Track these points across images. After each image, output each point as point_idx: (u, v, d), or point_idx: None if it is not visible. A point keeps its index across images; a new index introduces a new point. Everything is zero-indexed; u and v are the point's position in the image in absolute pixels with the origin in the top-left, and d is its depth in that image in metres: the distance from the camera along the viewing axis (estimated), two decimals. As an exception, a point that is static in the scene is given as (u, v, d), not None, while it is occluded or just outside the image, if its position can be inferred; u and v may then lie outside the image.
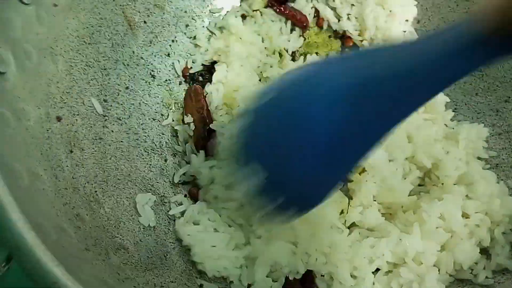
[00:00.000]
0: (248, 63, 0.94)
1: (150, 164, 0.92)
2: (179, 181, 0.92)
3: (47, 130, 0.76)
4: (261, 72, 0.97)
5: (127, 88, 0.96)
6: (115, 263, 0.70)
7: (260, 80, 0.97)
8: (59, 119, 0.80)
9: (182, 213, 0.86)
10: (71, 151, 0.79)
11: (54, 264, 0.52)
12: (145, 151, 0.93)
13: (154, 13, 1.02)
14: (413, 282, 0.75)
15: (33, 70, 0.76)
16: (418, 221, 0.78)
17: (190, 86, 1.01)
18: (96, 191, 0.79)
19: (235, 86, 0.91)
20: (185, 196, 0.88)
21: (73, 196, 0.74)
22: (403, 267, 0.76)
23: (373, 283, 0.76)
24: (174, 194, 0.90)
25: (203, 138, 0.91)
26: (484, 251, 0.82)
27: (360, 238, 0.78)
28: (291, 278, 0.75)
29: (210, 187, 0.82)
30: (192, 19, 1.07)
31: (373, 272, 0.77)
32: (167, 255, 0.80)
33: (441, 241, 0.78)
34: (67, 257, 0.58)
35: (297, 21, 1.08)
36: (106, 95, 0.91)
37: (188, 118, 0.94)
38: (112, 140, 0.88)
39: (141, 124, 0.95)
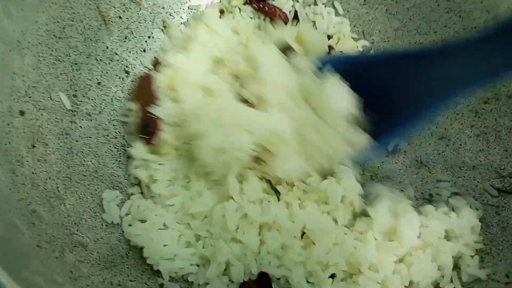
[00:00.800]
0: (209, 52, 0.92)
1: (119, 161, 0.91)
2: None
3: (8, 124, 0.75)
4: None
5: (99, 83, 0.94)
6: (69, 261, 0.69)
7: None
8: (22, 113, 0.79)
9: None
10: (34, 146, 0.78)
11: (-11, 261, 0.50)
12: (115, 148, 0.92)
13: (130, 8, 1.01)
14: None
15: (-2, 63, 0.76)
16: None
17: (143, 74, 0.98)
18: (58, 187, 0.78)
19: (184, 72, 0.89)
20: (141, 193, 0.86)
21: (30, 192, 0.72)
22: (361, 275, 0.74)
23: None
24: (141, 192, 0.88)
25: (146, 125, 0.87)
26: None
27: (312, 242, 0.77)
28: (245, 279, 0.74)
29: (151, 184, 0.81)
30: (170, 15, 1.06)
31: (330, 278, 0.75)
32: (129, 253, 0.79)
33: (396, 253, 0.77)
34: (9, 254, 0.56)
35: (277, 19, 1.06)
36: (76, 90, 0.90)
37: (133, 105, 0.90)
38: (80, 136, 0.87)
39: (112, 120, 0.93)
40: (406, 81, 0.80)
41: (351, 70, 0.83)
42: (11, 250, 0.58)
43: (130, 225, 0.79)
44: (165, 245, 0.74)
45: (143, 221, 0.77)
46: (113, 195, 0.84)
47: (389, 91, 0.81)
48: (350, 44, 1.05)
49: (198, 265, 0.75)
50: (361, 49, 1.06)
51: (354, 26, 1.08)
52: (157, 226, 0.76)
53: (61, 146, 0.83)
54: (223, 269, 0.74)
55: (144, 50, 1.02)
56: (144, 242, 0.75)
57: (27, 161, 0.75)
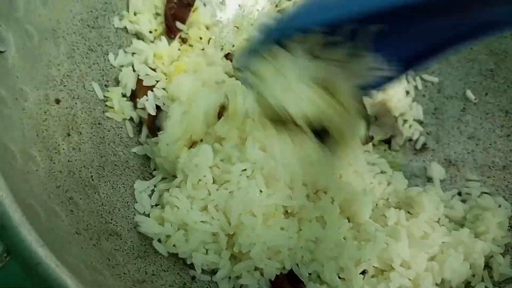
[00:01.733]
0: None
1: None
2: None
3: (45, 112, 0.75)
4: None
5: (129, 74, 0.94)
6: (106, 249, 0.69)
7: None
8: (58, 101, 0.79)
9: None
10: (69, 134, 0.79)
11: (38, 245, 0.51)
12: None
13: (161, -1, 1.00)
14: None
15: (34, 51, 0.76)
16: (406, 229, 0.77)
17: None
18: (92, 176, 0.79)
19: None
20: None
21: (67, 180, 0.73)
22: (393, 272, 0.74)
23: (362, 286, 0.74)
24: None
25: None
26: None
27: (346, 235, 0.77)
28: (277, 273, 0.74)
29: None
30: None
31: (361, 274, 0.75)
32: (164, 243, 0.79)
33: (429, 252, 0.77)
34: (54, 240, 0.57)
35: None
36: (107, 80, 0.90)
37: (140, 103, 0.89)
38: (111, 126, 0.87)
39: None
40: None
41: None
42: (54, 235, 0.59)
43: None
44: (195, 240, 0.73)
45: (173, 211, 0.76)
46: (144, 186, 0.84)
47: None
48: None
49: (230, 258, 0.75)
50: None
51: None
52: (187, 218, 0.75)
53: (94, 136, 0.83)
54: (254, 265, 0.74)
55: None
56: (174, 235, 0.74)
57: (63, 149, 0.76)
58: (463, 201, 0.90)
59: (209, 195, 0.74)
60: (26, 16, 0.74)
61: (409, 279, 0.75)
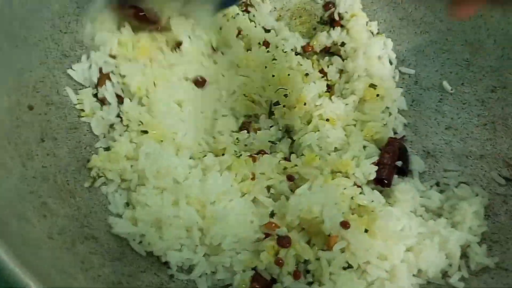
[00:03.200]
0: None
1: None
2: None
3: (17, 119, 0.76)
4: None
5: (106, 78, 0.95)
6: (80, 252, 0.70)
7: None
8: (31, 108, 0.79)
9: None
10: (43, 140, 0.79)
11: (2, 250, 0.51)
12: (122, 141, 0.92)
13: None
14: (385, 280, 0.75)
15: (4, 59, 0.76)
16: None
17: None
18: (67, 181, 0.79)
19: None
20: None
21: (41, 185, 0.73)
22: (369, 265, 0.75)
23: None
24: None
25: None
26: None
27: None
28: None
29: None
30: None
31: (344, 268, 0.75)
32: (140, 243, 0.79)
33: (406, 243, 0.77)
34: (22, 245, 0.57)
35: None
36: (82, 85, 0.90)
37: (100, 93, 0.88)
38: (87, 130, 0.87)
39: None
40: None
41: None
42: (23, 241, 0.59)
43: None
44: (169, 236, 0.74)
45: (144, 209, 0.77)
46: (114, 186, 0.84)
47: None
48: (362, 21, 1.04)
49: (204, 255, 0.76)
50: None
51: (359, 15, 1.08)
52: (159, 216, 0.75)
53: (69, 140, 0.84)
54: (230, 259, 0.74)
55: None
56: (148, 233, 0.75)
57: (37, 154, 0.76)
58: (441, 191, 0.90)
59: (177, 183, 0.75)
60: (-5, 24, 0.75)
61: (386, 271, 0.76)
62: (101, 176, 0.81)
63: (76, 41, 0.91)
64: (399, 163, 0.88)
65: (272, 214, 0.78)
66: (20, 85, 0.79)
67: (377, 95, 0.95)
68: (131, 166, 0.80)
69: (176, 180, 0.77)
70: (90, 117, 0.86)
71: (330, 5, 1.08)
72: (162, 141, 0.82)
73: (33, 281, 0.51)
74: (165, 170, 0.77)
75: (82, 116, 0.87)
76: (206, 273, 0.76)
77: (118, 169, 0.80)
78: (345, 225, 0.75)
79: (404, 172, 0.91)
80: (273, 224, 0.76)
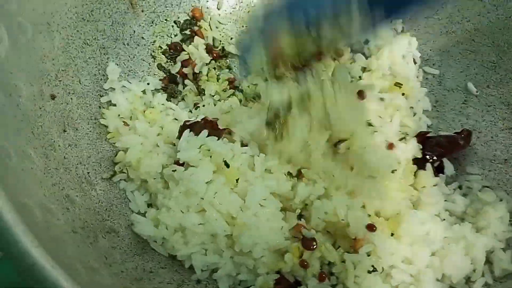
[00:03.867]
0: None
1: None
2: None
3: (40, 108, 0.74)
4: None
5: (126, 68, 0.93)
6: (103, 247, 0.69)
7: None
8: (53, 97, 0.78)
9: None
10: (64, 131, 0.78)
11: (33, 245, 0.50)
12: (142, 134, 0.90)
13: (157, -9, 0.99)
14: (410, 285, 0.74)
15: (27, 45, 0.74)
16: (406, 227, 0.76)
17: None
18: (88, 172, 0.78)
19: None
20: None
21: (63, 177, 0.72)
22: (394, 269, 0.74)
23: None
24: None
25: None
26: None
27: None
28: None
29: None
30: (196, -1, 1.04)
31: (369, 271, 0.74)
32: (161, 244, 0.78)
33: (431, 248, 0.76)
34: (50, 239, 0.56)
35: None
36: (103, 75, 0.89)
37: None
38: (108, 121, 0.86)
39: (140, 106, 0.92)
40: None
41: None
42: (50, 235, 0.58)
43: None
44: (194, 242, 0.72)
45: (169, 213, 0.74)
46: (132, 186, 0.82)
47: None
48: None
49: (231, 257, 0.74)
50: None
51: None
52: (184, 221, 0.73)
53: (90, 131, 0.82)
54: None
55: (171, 35, 1.01)
56: (172, 237, 0.73)
57: (59, 145, 0.75)
58: (464, 195, 0.89)
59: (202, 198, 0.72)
60: (19, 9, 0.73)
61: (411, 275, 0.74)
62: (124, 172, 0.80)
63: (98, 30, 0.89)
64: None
65: (300, 216, 0.77)
66: (43, 73, 0.77)
67: (402, 94, 0.94)
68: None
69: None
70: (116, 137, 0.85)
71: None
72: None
73: (63, 276, 0.50)
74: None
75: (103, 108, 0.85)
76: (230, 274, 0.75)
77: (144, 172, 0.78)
78: (371, 228, 0.74)
79: (442, 169, 0.89)
80: (301, 226, 0.74)
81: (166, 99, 0.92)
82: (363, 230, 0.74)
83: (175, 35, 1.00)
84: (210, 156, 0.74)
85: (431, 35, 1.03)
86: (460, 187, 0.91)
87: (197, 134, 0.76)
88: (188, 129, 0.78)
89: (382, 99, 0.91)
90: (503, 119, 0.94)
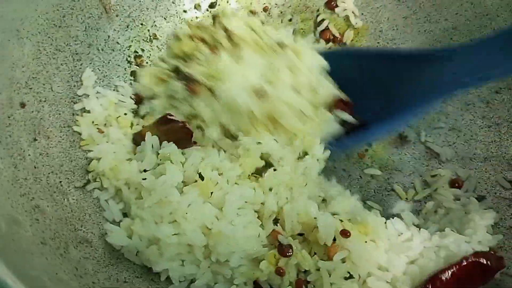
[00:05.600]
0: None
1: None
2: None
3: (9, 117, 0.73)
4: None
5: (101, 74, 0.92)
6: (74, 258, 0.67)
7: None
8: (23, 105, 0.76)
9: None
10: (35, 139, 0.76)
11: (-7, 260, 0.48)
12: (118, 140, 0.89)
13: (132, -4, 0.97)
14: None
15: (-4, 53, 0.73)
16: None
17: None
18: (61, 182, 0.76)
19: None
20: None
21: (33, 187, 0.70)
22: (371, 276, 0.72)
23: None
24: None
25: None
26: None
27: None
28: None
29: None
30: (173, 3, 1.03)
31: (345, 278, 0.73)
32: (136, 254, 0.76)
33: (408, 255, 0.75)
34: (14, 252, 0.54)
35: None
36: (77, 81, 0.87)
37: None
38: (82, 128, 0.84)
39: (115, 112, 0.91)
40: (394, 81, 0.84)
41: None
42: (15, 247, 0.56)
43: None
44: (170, 253, 0.71)
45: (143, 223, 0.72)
46: (107, 195, 0.80)
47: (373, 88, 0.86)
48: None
49: (208, 267, 0.73)
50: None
51: (362, 14, 1.05)
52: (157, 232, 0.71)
53: (63, 139, 0.81)
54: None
55: (147, 40, 0.99)
56: (147, 250, 0.71)
57: (29, 154, 0.73)
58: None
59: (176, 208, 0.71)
60: (-14, 17, 0.71)
61: (387, 282, 0.73)
62: (97, 181, 0.78)
63: (70, 36, 0.87)
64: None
65: (276, 221, 0.76)
66: (12, 81, 0.75)
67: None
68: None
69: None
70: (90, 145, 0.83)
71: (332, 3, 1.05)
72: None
73: (26, 291, 0.48)
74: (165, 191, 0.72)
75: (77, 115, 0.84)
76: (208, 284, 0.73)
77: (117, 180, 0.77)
78: (345, 234, 0.72)
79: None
80: (278, 233, 0.73)
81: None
82: (332, 236, 0.72)
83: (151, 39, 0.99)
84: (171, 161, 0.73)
85: (409, 34, 1.03)
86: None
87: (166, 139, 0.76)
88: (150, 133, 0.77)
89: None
90: (483, 117, 0.93)
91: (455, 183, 0.89)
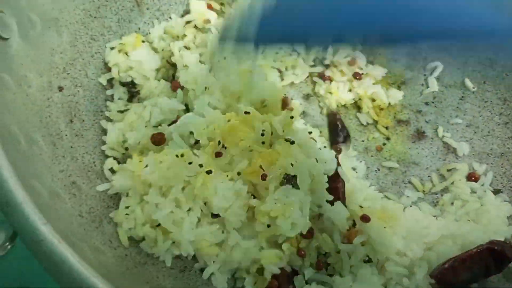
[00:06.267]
0: None
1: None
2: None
3: (48, 99, 0.77)
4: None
5: (131, 64, 0.96)
6: (108, 232, 0.71)
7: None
8: (61, 89, 0.80)
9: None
10: (71, 121, 0.80)
11: (42, 222, 0.52)
12: (146, 127, 0.93)
13: (162, -10, 1.02)
14: (403, 277, 0.75)
15: (37, 39, 0.77)
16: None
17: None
18: (94, 162, 0.80)
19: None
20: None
21: (70, 164, 0.74)
22: (388, 261, 0.75)
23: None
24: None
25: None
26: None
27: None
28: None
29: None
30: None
31: (364, 261, 0.76)
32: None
33: (425, 241, 0.77)
34: (57, 219, 0.58)
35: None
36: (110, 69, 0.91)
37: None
38: (113, 114, 0.88)
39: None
40: None
41: None
42: (57, 216, 0.60)
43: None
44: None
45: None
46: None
47: None
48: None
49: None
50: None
51: None
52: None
53: (96, 123, 0.85)
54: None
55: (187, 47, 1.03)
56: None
57: (66, 135, 0.77)
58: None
59: None
60: (29, 4, 0.76)
61: (404, 267, 0.76)
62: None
63: (104, 26, 0.91)
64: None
65: None
66: (51, 66, 0.80)
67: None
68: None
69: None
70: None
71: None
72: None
73: (69, 251, 0.52)
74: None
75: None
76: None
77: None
78: (365, 219, 0.76)
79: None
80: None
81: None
82: (357, 221, 0.76)
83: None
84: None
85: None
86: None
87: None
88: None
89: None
90: (500, 114, 0.96)
91: (471, 177, 0.91)
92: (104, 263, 0.61)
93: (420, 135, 1.00)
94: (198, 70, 0.85)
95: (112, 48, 0.91)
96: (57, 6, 0.82)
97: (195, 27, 0.96)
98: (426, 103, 1.01)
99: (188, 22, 0.96)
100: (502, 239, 0.80)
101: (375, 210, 0.77)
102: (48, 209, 0.58)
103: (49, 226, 0.52)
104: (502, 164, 0.91)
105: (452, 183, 0.92)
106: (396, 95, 1.00)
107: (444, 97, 1.02)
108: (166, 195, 0.70)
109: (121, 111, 0.85)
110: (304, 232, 0.72)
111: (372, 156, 0.99)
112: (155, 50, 0.95)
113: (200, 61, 0.91)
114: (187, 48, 0.93)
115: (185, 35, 0.95)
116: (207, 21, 0.94)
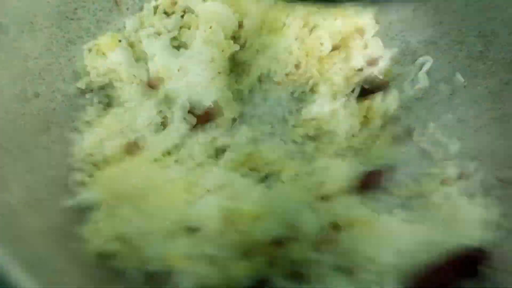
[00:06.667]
0: None
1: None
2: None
3: (23, 106, 0.75)
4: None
5: (112, 66, 0.94)
6: (74, 249, 0.69)
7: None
8: (36, 95, 0.78)
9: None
10: (49, 128, 0.78)
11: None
12: (129, 130, 0.91)
13: (142, -12, 0.99)
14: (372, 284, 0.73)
15: (10, 44, 0.75)
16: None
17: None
18: (63, 175, 0.78)
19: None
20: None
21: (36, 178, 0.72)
22: (358, 267, 0.73)
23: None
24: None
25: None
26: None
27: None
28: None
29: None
30: (184, -4, 1.04)
31: (334, 270, 0.73)
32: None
33: (398, 248, 0.75)
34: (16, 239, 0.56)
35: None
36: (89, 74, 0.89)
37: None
38: (93, 119, 0.86)
39: (126, 103, 0.93)
40: None
41: None
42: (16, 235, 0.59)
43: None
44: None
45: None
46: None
47: None
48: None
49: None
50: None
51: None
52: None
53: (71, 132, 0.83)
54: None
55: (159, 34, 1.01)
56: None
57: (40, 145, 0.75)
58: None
59: None
60: (1, 9, 0.73)
61: (375, 275, 0.74)
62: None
63: (82, 28, 0.89)
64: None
65: None
66: (26, 72, 0.77)
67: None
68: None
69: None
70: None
71: None
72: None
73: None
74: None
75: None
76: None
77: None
78: (336, 226, 0.74)
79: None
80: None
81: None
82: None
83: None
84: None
85: (418, 26, 1.03)
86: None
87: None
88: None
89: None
90: (490, 110, 0.93)
91: (459, 177, 0.89)
92: (69, 285, 0.59)
93: (406, 134, 0.97)
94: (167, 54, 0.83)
95: (90, 51, 0.88)
96: (31, 9, 0.80)
97: (165, 12, 0.93)
98: (416, 99, 0.99)
99: (155, 8, 0.93)
100: (476, 245, 0.78)
101: (348, 217, 0.76)
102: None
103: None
104: (491, 161, 0.89)
105: (428, 187, 0.89)
106: (384, 92, 0.97)
107: (434, 93, 0.99)
108: (137, 207, 0.68)
109: (96, 118, 0.82)
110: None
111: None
112: (131, 45, 0.92)
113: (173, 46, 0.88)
114: (158, 34, 0.90)
115: (153, 22, 0.92)
116: (174, 3, 0.92)
